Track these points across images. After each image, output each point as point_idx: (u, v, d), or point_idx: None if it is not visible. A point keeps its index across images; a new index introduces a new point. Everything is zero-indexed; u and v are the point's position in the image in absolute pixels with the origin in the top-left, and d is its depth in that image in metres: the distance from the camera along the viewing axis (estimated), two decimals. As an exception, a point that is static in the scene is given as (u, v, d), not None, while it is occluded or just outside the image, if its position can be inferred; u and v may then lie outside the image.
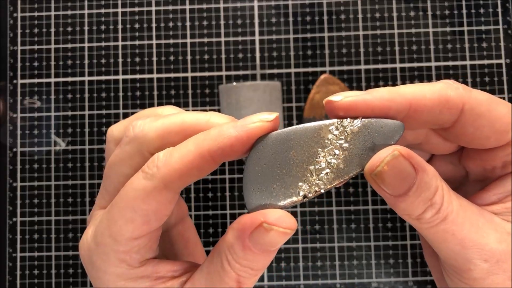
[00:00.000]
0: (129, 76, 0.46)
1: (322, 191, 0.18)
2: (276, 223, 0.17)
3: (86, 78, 0.47)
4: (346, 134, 0.18)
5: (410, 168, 0.17)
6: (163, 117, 0.19)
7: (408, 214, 0.18)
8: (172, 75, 0.46)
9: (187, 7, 0.47)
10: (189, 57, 0.46)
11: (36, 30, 0.47)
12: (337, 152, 0.18)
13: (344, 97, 0.18)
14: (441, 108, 0.18)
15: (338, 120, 0.18)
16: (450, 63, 0.46)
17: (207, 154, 0.17)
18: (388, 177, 0.17)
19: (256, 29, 0.46)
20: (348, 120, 0.18)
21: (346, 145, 0.18)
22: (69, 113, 0.46)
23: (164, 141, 0.19)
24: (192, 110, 0.46)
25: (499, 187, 0.19)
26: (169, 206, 0.18)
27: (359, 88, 0.46)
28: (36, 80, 0.47)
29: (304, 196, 0.18)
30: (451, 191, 0.18)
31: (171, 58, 0.46)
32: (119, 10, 0.47)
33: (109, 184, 0.20)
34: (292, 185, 0.18)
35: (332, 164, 0.18)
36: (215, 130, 0.18)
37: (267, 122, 0.18)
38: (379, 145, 0.18)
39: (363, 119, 0.18)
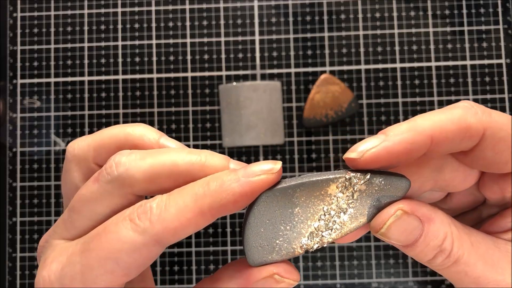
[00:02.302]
0: (129, 76, 0.46)
1: (325, 245, 0.18)
2: (287, 276, 0.18)
3: (86, 78, 0.46)
4: (353, 191, 0.18)
5: (416, 221, 0.17)
6: (150, 156, 0.18)
7: (419, 259, 0.18)
8: (172, 75, 0.46)
9: (187, 7, 0.47)
10: (189, 57, 0.46)
11: (36, 30, 0.47)
12: (343, 209, 0.18)
13: (366, 151, 0.17)
14: (462, 137, 0.17)
15: (346, 176, 0.18)
16: (450, 63, 0.46)
17: (207, 211, 0.16)
18: (393, 235, 0.17)
19: (256, 29, 0.46)
20: (358, 176, 0.18)
21: (353, 203, 0.18)
22: (69, 113, 0.46)
23: (152, 185, 0.17)
24: (192, 110, 0.46)
25: None
26: (154, 259, 0.17)
27: (359, 88, 0.46)
28: (36, 80, 0.47)
29: (307, 251, 0.18)
30: (462, 231, 0.18)
31: (171, 58, 0.46)
32: (119, 10, 0.47)
33: (78, 219, 0.18)
34: (295, 241, 0.18)
35: (337, 221, 0.18)
36: (216, 183, 0.17)
37: (271, 175, 0.17)
38: (385, 203, 0.18)
39: (371, 175, 0.18)
